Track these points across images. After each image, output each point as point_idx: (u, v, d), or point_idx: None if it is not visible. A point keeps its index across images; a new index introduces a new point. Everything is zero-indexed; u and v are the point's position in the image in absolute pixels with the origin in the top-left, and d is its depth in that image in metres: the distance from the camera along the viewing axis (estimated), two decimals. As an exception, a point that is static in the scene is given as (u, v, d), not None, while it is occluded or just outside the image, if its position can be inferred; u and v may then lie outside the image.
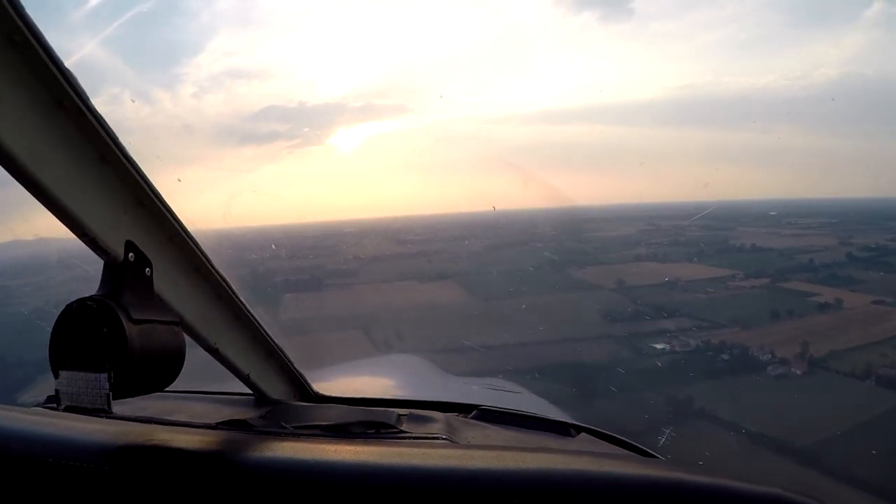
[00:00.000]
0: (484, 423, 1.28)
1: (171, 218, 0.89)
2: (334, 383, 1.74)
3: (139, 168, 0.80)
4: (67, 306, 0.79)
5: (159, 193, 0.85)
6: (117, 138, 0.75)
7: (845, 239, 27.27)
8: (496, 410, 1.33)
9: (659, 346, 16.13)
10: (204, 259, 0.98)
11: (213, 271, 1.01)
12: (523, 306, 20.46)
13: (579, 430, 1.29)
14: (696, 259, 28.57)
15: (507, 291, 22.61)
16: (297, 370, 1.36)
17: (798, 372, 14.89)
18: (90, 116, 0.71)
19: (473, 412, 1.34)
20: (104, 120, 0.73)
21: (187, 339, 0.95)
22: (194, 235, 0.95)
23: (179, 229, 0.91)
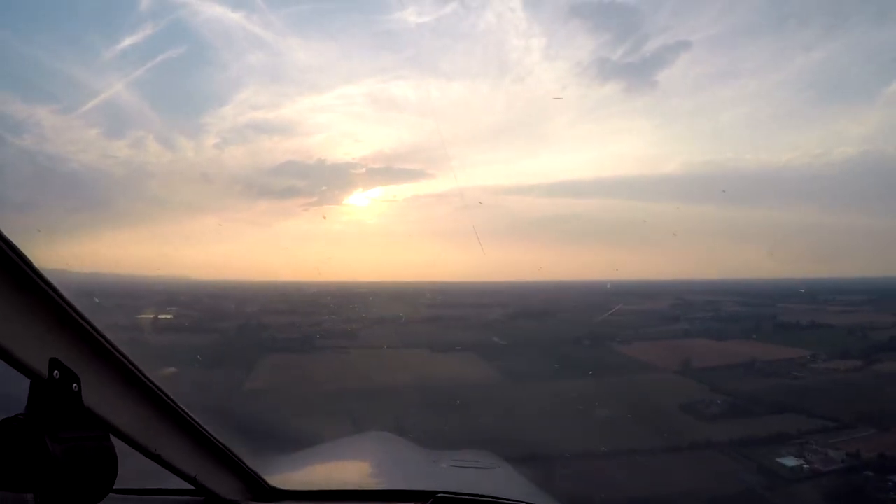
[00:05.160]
0: None
1: (96, 333, 0.88)
2: (295, 473, 1.80)
3: (58, 290, 0.81)
4: None
5: (81, 312, 0.85)
6: (33, 264, 0.76)
7: (903, 315, 24.69)
8: (452, 498, 1.42)
9: (790, 464, 10.88)
10: (134, 369, 0.97)
11: (145, 379, 1.00)
12: (569, 392, 15.30)
13: None
14: (754, 336, 25.44)
15: (541, 369, 17.95)
16: (247, 466, 1.35)
17: None
18: (2, 246, 0.72)
19: (430, 501, 1.41)
20: (17, 248, 0.74)
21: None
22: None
23: (106, 343, 0.90)
